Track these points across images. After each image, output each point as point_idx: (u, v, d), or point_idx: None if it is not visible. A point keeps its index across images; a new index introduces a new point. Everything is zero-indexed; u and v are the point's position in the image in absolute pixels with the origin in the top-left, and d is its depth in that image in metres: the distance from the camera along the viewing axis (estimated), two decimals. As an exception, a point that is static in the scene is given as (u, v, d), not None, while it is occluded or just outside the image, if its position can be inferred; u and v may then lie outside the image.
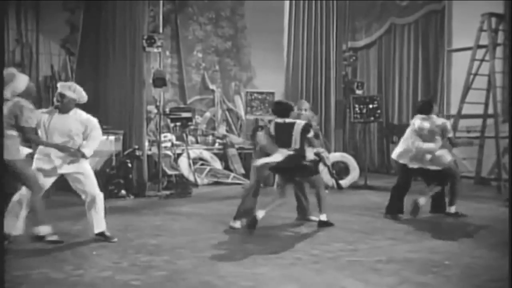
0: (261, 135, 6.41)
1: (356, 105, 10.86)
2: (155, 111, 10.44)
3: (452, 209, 7.15)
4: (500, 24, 10.30)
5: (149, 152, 9.90)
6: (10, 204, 5.22)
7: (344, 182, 10.20)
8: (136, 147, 9.10)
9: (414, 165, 6.94)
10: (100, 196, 5.57)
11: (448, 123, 7.12)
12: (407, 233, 6.17)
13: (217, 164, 11.17)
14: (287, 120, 6.25)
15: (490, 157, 10.29)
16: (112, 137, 8.93)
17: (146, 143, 9.76)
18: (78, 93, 5.54)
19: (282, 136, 6.23)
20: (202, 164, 10.96)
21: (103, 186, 8.39)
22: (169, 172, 9.99)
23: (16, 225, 5.21)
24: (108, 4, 9.48)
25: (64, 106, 5.46)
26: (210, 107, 13.53)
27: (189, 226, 6.50)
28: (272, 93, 11.26)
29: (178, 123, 10.81)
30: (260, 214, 6.05)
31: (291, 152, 6.12)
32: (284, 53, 12.05)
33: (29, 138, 5.19)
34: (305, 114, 6.79)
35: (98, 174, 8.67)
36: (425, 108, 7.07)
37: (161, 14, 10.74)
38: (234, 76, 14.17)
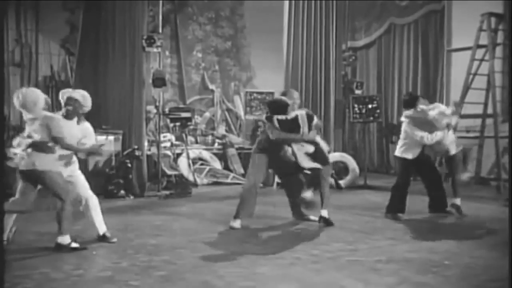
0: (272, 130, 6.34)
1: (356, 105, 10.87)
2: (155, 111, 10.44)
3: (458, 201, 7.16)
4: (500, 24, 10.31)
5: (149, 152, 9.91)
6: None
7: (344, 182, 10.22)
8: (136, 147, 9.10)
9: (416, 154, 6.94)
10: (93, 198, 5.56)
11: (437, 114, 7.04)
12: (406, 233, 6.17)
13: (217, 164, 11.18)
14: (289, 116, 6.27)
15: (490, 157, 10.29)
16: (111, 137, 8.93)
17: (146, 143, 9.77)
18: (86, 100, 5.52)
19: (290, 132, 6.24)
20: (201, 164, 10.96)
21: (102, 186, 8.48)
22: (169, 172, 10.00)
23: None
24: (108, 4, 9.48)
25: (74, 111, 5.44)
26: (209, 107, 13.54)
27: (188, 226, 6.50)
28: (272, 93, 11.27)
29: (177, 123, 10.81)
30: (308, 194, 6.04)
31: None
32: (284, 53, 12.03)
33: (65, 146, 5.21)
34: (298, 103, 6.80)
35: (98, 174, 8.76)
36: (409, 103, 7.07)
37: (161, 14, 10.75)
38: (234, 76, 14.17)
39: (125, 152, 9.05)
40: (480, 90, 10.28)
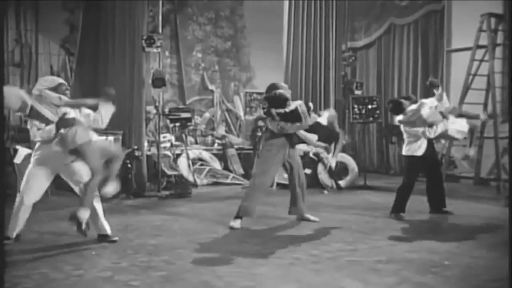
0: (275, 124, 6.44)
1: (355, 106, 10.86)
2: (154, 111, 10.43)
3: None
4: (500, 24, 10.32)
5: (149, 153, 9.90)
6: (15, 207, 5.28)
7: (343, 183, 10.22)
8: (136, 147, 9.09)
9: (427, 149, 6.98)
10: (97, 198, 5.56)
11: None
12: (406, 233, 6.18)
13: (217, 165, 11.17)
14: (287, 109, 6.35)
15: (489, 158, 10.29)
16: (111, 138, 8.91)
17: (146, 144, 9.76)
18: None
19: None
20: (201, 165, 10.96)
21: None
22: (169, 172, 9.99)
23: (19, 225, 5.28)
24: (108, 4, 9.48)
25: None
26: (209, 107, 13.53)
27: (188, 226, 6.50)
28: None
29: (177, 124, 10.80)
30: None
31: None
32: (284, 53, 12.05)
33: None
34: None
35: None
36: (396, 110, 7.09)
37: (161, 14, 10.75)
38: (234, 76, 14.17)
39: (125, 153, 9.04)
40: (480, 90, 10.28)
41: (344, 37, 12.75)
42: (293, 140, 6.72)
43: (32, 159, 5.35)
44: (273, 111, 6.39)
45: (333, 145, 8.23)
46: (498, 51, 10.34)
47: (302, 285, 4.22)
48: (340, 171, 10.48)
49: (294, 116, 6.37)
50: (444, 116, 6.95)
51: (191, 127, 11.66)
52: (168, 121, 11.12)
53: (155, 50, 9.55)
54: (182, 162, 10.45)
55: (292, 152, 6.64)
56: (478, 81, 10.35)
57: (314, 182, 9.64)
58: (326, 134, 6.81)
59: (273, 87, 6.71)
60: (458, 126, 7.04)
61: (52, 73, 11.61)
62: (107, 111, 5.58)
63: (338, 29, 12.08)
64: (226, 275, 4.40)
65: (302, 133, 6.82)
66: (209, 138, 12.39)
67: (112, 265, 4.69)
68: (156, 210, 7.72)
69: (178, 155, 10.57)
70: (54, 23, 11.55)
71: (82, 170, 5.44)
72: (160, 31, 10.48)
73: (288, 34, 11.96)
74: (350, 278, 4.36)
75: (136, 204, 8.30)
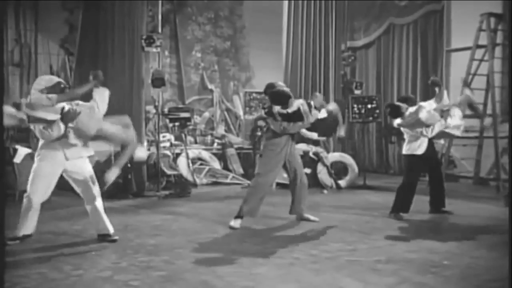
0: (277, 124, 6.47)
1: (355, 105, 10.87)
2: (154, 111, 10.43)
3: None
4: (499, 24, 10.32)
5: (148, 152, 9.89)
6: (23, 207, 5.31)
7: (343, 182, 10.22)
8: (135, 147, 9.09)
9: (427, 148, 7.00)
10: (99, 197, 5.58)
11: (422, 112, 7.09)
12: (406, 233, 6.17)
13: (216, 164, 11.17)
14: (290, 110, 6.37)
15: (489, 157, 10.29)
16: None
17: (145, 143, 9.76)
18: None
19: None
20: (201, 164, 10.96)
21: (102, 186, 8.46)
22: (168, 172, 9.99)
23: (28, 226, 5.30)
24: (107, 4, 9.49)
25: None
26: (208, 107, 13.53)
27: (188, 226, 6.49)
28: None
29: (176, 123, 10.81)
30: None
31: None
32: (283, 53, 12.05)
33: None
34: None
35: (97, 174, 8.73)
36: (394, 114, 7.11)
37: (160, 14, 10.76)
38: (233, 76, 14.17)
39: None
40: (480, 90, 10.28)
41: (343, 37, 12.75)
42: (294, 138, 6.76)
43: (36, 159, 5.35)
44: (275, 110, 6.37)
45: (331, 143, 8.28)
46: (498, 51, 10.35)
47: (301, 285, 4.21)
48: (339, 170, 10.49)
49: (296, 116, 6.40)
50: (443, 115, 6.99)
51: (190, 127, 11.66)
52: (167, 120, 11.12)
53: (154, 49, 9.56)
54: (182, 162, 10.45)
55: (293, 151, 6.64)
56: (478, 80, 10.35)
57: (314, 182, 9.64)
58: (325, 127, 6.83)
59: (271, 86, 6.70)
60: (455, 121, 7.07)
61: (51, 73, 11.61)
62: (101, 95, 5.52)
63: (337, 29, 12.09)
64: (226, 275, 4.39)
65: (302, 131, 6.88)
66: (209, 138, 12.39)
67: (112, 265, 4.69)
68: (155, 210, 7.71)
69: (178, 155, 10.57)
70: (54, 23, 11.55)
71: (84, 169, 5.45)
72: (159, 30, 10.49)
73: (288, 34, 11.96)
74: (350, 278, 4.36)
75: (135, 204, 8.30)
